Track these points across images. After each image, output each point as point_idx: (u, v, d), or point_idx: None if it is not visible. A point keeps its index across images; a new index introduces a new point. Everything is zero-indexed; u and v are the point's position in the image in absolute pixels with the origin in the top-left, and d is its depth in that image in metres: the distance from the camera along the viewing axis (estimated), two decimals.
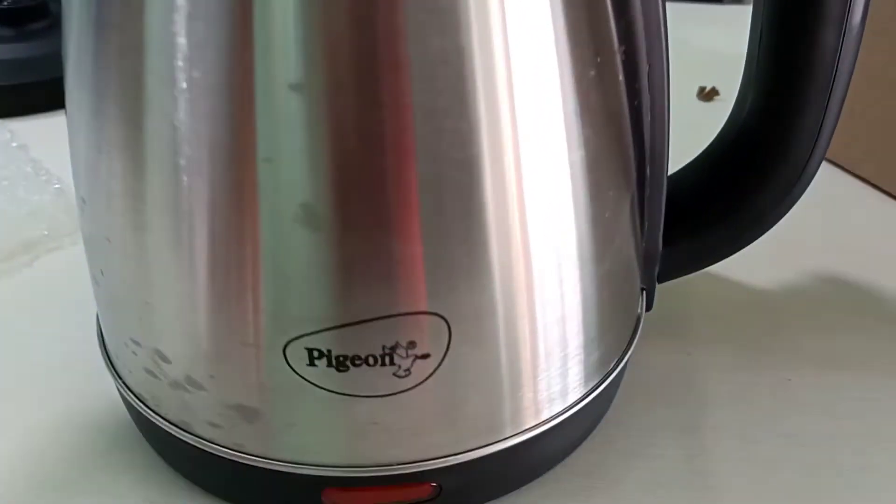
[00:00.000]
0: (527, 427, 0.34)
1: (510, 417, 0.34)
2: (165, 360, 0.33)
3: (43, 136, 0.59)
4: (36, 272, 0.50)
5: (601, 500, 0.37)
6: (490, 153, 0.28)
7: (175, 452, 0.36)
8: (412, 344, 0.30)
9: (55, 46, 0.65)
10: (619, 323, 0.38)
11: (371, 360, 0.30)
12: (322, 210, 0.28)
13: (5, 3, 0.63)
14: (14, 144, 0.57)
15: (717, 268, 0.44)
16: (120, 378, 0.36)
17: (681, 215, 0.41)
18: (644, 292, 0.41)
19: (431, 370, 0.31)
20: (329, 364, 0.30)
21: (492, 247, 0.30)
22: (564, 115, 0.30)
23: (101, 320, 0.37)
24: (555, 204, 0.31)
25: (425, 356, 0.31)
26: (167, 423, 0.34)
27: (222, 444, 0.33)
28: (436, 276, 0.29)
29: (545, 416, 0.35)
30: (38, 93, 0.63)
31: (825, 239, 0.53)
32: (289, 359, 0.30)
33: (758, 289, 0.49)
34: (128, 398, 0.36)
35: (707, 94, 0.69)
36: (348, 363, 0.30)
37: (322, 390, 0.31)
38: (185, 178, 0.28)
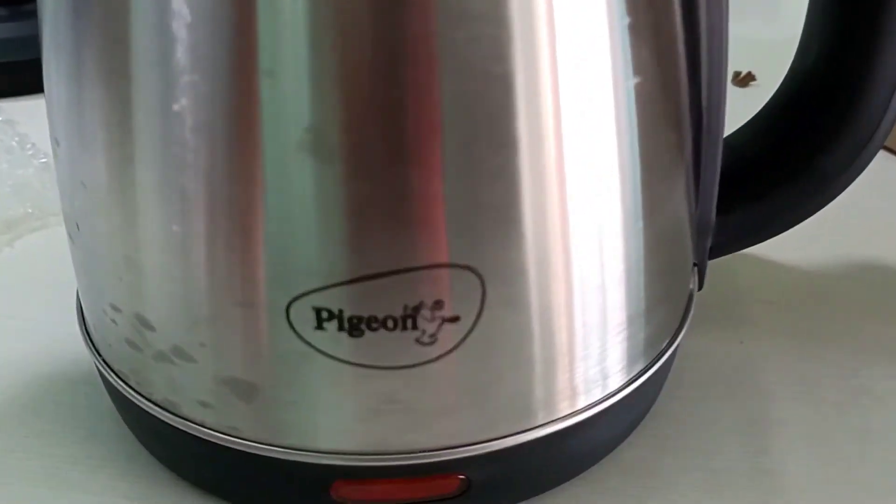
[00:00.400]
0: (571, 411, 0.29)
1: (548, 400, 0.29)
2: (149, 326, 0.28)
3: (32, 114, 0.56)
4: (16, 252, 0.46)
5: (656, 503, 0.32)
6: (526, 71, 0.24)
7: (160, 440, 0.31)
8: (439, 304, 0.25)
9: None
10: (669, 298, 0.33)
11: (390, 324, 0.25)
12: (331, 135, 0.23)
13: None
14: (0, 119, 0.54)
15: (764, 249, 0.40)
16: (99, 355, 0.32)
17: (736, 181, 0.36)
18: (695, 268, 0.36)
19: (461, 337, 0.26)
20: (340, 327, 0.25)
21: (525, 188, 0.25)
22: (613, 32, 0.25)
23: (79, 289, 0.32)
24: (602, 144, 0.26)
25: (454, 319, 0.26)
26: (151, 405, 0.30)
27: (214, 428, 0.28)
28: (467, 220, 0.25)
29: (587, 400, 0.30)
30: (31, 72, 0.60)
31: (884, 221, 0.48)
32: (293, 321, 0.25)
33: (811, 272, 0.44)
34: (108, 377, 0.31)
35: (742, 80, 0.65)
36: (363, 327, 0.25)
37: (331, 360, 0.26)
38: (174, 102, 0.24)
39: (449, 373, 0.26)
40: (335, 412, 0.27)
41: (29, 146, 0.51)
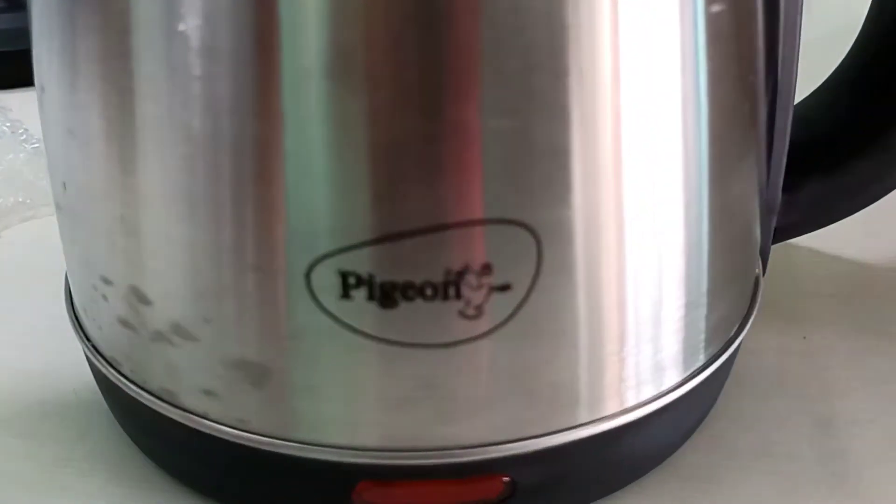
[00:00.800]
0: (629, 406, 0.25)
1: (608, 390, 0.25)
2: (145, 301, 0.24)
3: (27, 104, 0.54)
4: (4, 241, 0.43)
5: None
6: None
7: (155, 437, 0.27)
8: (486, 269, 0.22)
9: None
10: (735, 281, 0.29)
11: (429, 291, 0.21)
12: (359, 59, 0.20)
13: None
14: None
15: (821, 241, 0.37)
16: (88, 340, 0.28)
17: (802, 155, 0.32)
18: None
19: (512, 309, 0.22)
20: (370, 296, 0.22)
21: (580, 128, 0.21)
22: None
23: (67, 267, 0.28)
24: (668, 82, 0.23)
25: (504, 288, 0.22)
26: (146, 395, 0.26)
27: (218, 420, 0.24)
28: (520, 167, 0.21)
29: (643, 395, 0.26)
30: (29, 64, 0.58)
31: None
32: (314, 289, 0.22)
33: (873, 265, 0.40)
34: (98, 365, 0.27)
35: None
36: (397, 295, 0.22)
37: (359, 335, 0.22)
38: (179, 21, 0.20)
39: (496, 353, 0.22)
40: (361, 400, 0.23)
41: (21, 131, 0.48)
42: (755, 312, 0.31)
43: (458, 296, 0.22)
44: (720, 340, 0.29)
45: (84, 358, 0.29)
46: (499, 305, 0.22)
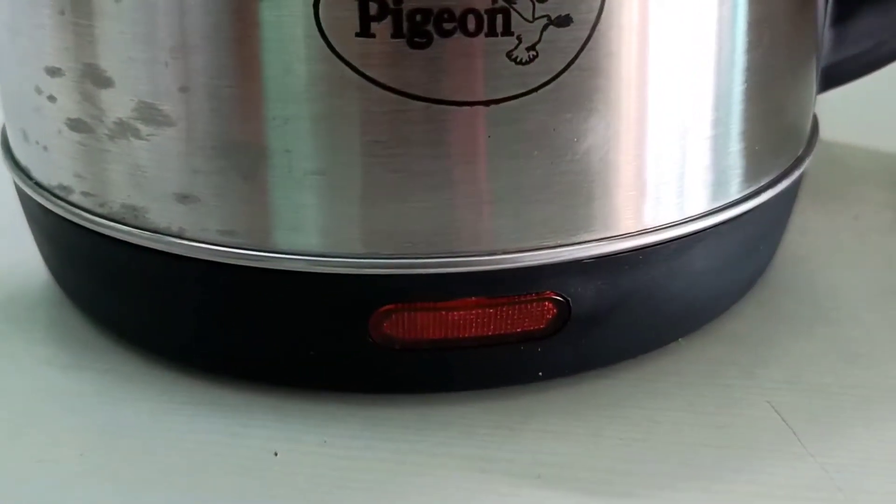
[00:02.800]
0: (692, 215, 0.21)
1: (666, 195, 0.21)
2: (104, 82, 0.19)
3: None
4: None
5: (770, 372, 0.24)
6: None
7: (108, 281, 0.22)
8: None
9: None
10: (791, 103, 0.25)
11: (471, 23, 0.17)
12: None
13: None
14: None
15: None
16: (22, 171, 0.22)
17: None
18: None
19: (575, 51, 0.18)
20: (397, 29, 0.17)
21: None
22: None
23: None
24: None
25: (564, 21, 0.17)
26: (103, 221, 0.20)
27: (196, 238, 0.19)
28: None
29: (697, 209, 0.22)
30: None
31: None
32: (322, 23, 0.17)
33: None
34: (36, 198, 0.22)
35: None
36: (430, 28, 0.17)
37: (380, 89, 0.17)
38: None
39: (553, 114, 0.18)
40: (379, 188, 0.18)
41: None
42: (814, 151, 0.27)
43: (508, 31, 0.17)
44: (779, 168, 0.25)
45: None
46: (559, 46, 0.17)
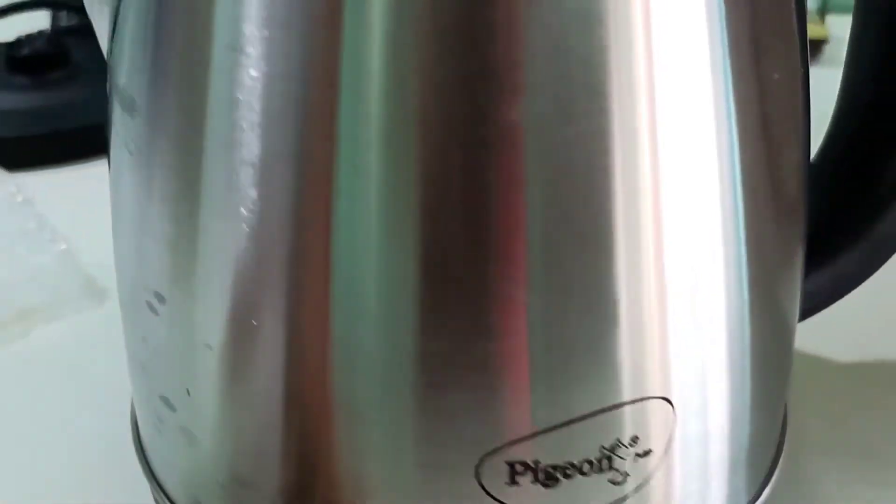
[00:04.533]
0: None
1: None
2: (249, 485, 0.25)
3: (52, 190, 0.52)
4: (31, 343, 0.42)
5: None
6: None
7: None
8: (634, 440, 0.24)
9: (73, 96, 0.56)
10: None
11: (586, 468, 0.24)
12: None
13: (25, 51, 0.57)
14: (19, 199, 0.49)
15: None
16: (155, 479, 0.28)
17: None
18: None
19: (652, 469, 0.25)
20: (535, 479, 0.24)
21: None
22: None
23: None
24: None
25: (646, 453, 0.24)
26: None
27: None
28: (661, 349, 0.24)
29: None
30: (52, 145, 0.56)
31: None
32: (483, 480, 0.23)
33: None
34: None
35: None
36: (558, 475, 0.24)
37: None
38: None
39: None
40: None
41: (48, 230, 0.47)
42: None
43: (611, 467, 0.24)
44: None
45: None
46: (641, 468, 0.24)
